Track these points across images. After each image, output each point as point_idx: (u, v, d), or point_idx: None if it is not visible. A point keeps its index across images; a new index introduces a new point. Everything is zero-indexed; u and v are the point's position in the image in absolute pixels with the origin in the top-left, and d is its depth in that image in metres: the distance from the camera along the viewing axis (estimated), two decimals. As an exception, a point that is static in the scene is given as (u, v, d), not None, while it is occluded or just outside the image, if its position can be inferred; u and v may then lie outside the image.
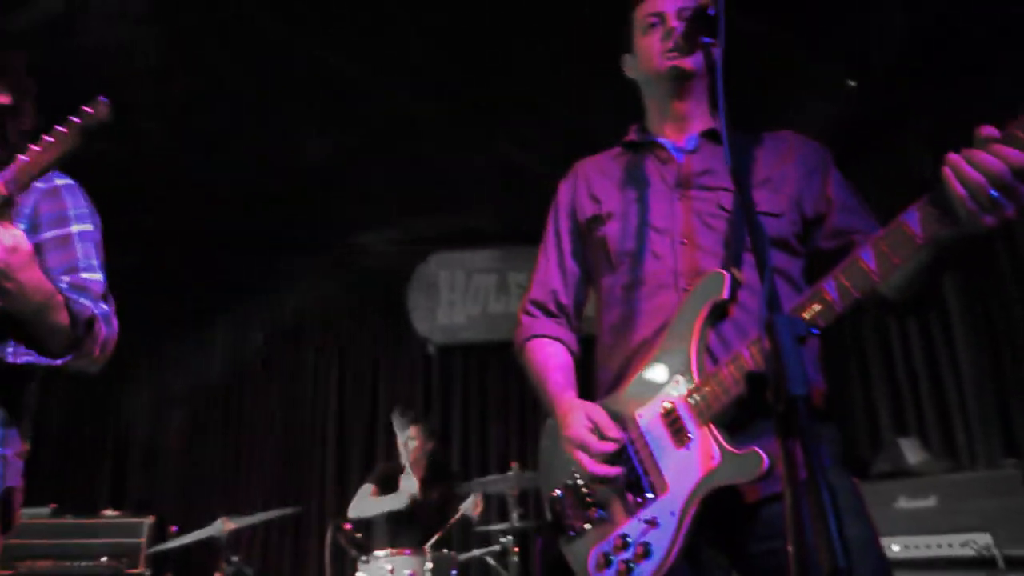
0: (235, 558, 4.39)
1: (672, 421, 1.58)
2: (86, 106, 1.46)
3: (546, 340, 1.91)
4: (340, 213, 6.10)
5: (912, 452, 3.79)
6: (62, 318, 1.57)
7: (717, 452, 1.50)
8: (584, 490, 1.70)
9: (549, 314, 1.95)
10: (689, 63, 1.78)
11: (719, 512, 1.52)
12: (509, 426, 6.13)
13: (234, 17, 4.21)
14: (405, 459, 4.82)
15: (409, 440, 4.82)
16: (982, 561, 3.24)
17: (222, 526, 4.25)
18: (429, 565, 3.98)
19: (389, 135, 5.23)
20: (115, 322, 1.73)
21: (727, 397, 1.50)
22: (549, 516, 1.80)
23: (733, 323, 1.62)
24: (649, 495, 1.59)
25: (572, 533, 1.72)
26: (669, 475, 1.57)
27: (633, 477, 1.62)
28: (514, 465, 4.40)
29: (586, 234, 1.91)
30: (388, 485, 4.70)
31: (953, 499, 3.42)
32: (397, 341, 6.59)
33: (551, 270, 1.96)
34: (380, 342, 6.63)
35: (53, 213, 1.76)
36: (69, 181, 1.81)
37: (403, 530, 4.54)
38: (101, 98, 1.46)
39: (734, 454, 1.48)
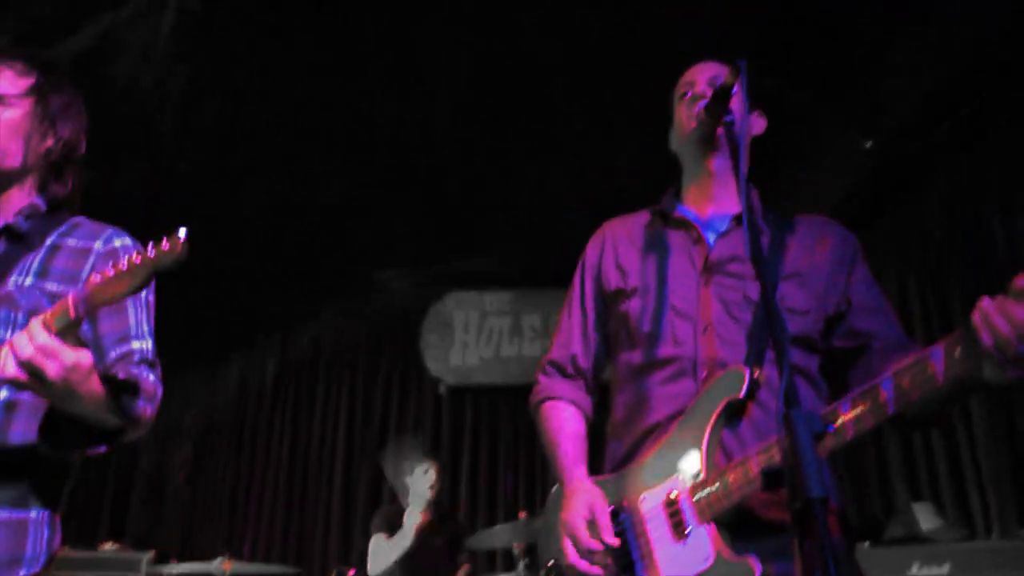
0: (235, 597, 4.36)
1: (674, 512, 1.58)
2: (167, 239, 1.48)
3: (562, 404, 1.90)
4: (357, 251, 6.13)
5: (926, 518, 3.74)
6: (112, 420, 1.60)
7: (712, 554, 1.49)
8: None
9: (566, 376, 1.94)
10: (715, 131, 1.75)
11: None
12: (519, 472, 6.09)
13: (257, 57, 4.29)
14: (414, 496, 4.76)
15: (426, 474, 4.74)
16: (995, 633, 3.19)
17: (222, 565, 4.21)
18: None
19: (408, 175, 5.28)
20: (160, 392, 1.72)
21: (729, 501, 1.50)
22: None
23: (751, 423, 1.60)
24: None
25: None
26: (662, 566, 1.56)
27: (626, 561, 1.62)
28: (523, 516, 4.36)
29: (609, 304, 1.90)
30: (395, 529, 4.65)
31: (967, 568, 3.36)
32: (409, 380, 6.58)
33: (573, 333, 1.95)
34: (392, 380, 6.62)
35: None
36: (127, 241, 1.80)
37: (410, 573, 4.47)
38: (181, 230, 1.48)
39: (727, 560, 1.47)
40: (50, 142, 1.79)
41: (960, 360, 1.31)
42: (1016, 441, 4.05)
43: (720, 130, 1.72)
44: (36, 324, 1.44)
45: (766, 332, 1.64)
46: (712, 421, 1.58)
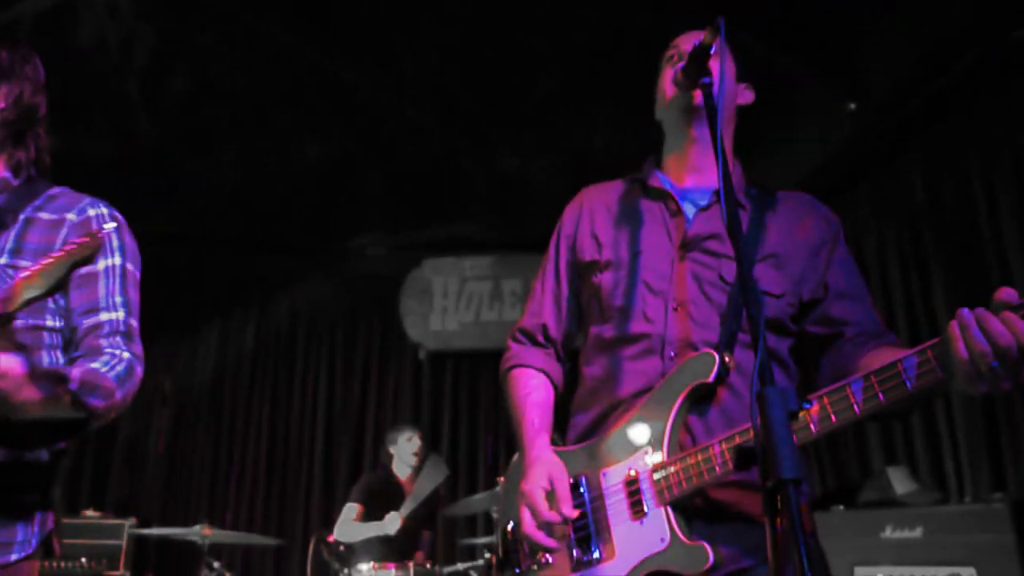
0: (216, 564, 4.36)
1: (633, 491, 1.56)
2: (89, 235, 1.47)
3: (531, 372, 1.87)
4: (335, 217, 6.07)
5: (900, 482, 3.78)
6: (68, 415, 1.57)
7: (668, 536, 1.49)
8: None
9: (536, 344, 1.90)
10: (694, 96, 1.69)
11: None
12: (499, 438, 6.10)
13: (231, 18, 4.18)
14: (401, 468, 4.79)
15: (410, 442, 4.78)
16: (967, 595, 3.24)
17: (202, 531, 4.21)
18: (413, 580, 3.96)
19: (386, 140, 5.21)
20: (138, 371, 1.68)
21: (689, 485, 1.48)
22: (499, 548, 1.79)
23: (719, 408, 1.58)
24: (595, 556, 1.58)
25: (517, 570, 1.71)
26: (618, 543, 1.55)
27: (584, 534, 1.61)
28: (502, 480, 4.36)
29: (583, 274, 1.86)
30: (374, 504, 4.65)
31: (940, 531, 3.40)
32: (389, 346, 6.56)
33: (545, 301, 1.91)
34: (372, 347, 6.59)
35: None
36: (103, 210, 1.74)
37: (387, 545, 4.49)
38: (108, 225, 1.52)
39: (683, 543, 1.47)
40: (0, 103, 1.71)
41: (932, 370, 1.29)
42: (990, 405, 4.09)
43: (698, 94, 1.67)
44: None
45: (740, 314, 1.61)
46: (678, 403, 1.56)
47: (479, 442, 6.21)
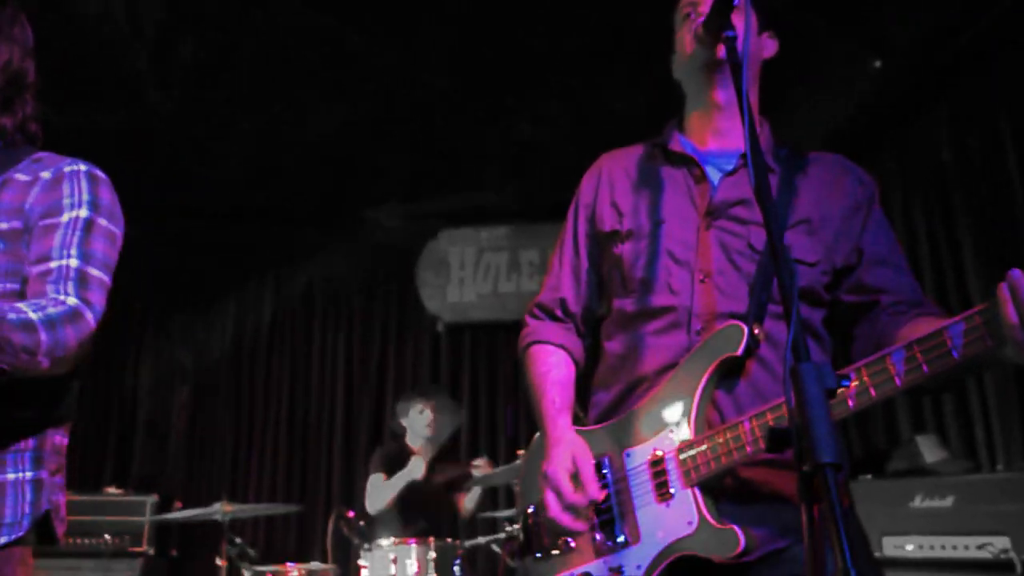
0: (238, 539, 4.37)
1: (658, 472, 1.49)
2: None
3: (549, 348, 1.79)
4: (350, 188, 6.01)
5: (930, 450, 3.69)
6: None
7: (696, 519, 1.42)
8: None
9: (555, 319, 1.82)
10: (716, 50, 1.59)
11: (695, 571, 1.43)
12: (519, 409, 6.06)
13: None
14: (415, 439, 4.76)
15: (421, 415, 4.74)
16: (999, 565, 3.16)
17: (222, 508, 4.21)
18: (433, 554, 3.93)
19: (401, 109, 5.12)
20: (88, 317, 1.55)
21: (717, 465, 1.41)
22: (520, 531, 1.73)
23: (749, 383, 1.50)
24: (620, 540, 1.51)
25: (538, 554, 1.66)
26: (643, 527, 1.49)
27: (607, 517, 1.54)
28: (522, 453, 4.32)
29: (603, 245, 1.77)
30: (395, 468, 4.63)
31: (971, 500, 3.32)
32: (406, 318, 6.51)
33: (564, 275, 1.83)
34: (389, 319, 6.55)
35: (46, 205, 1.62)
36: (79, 167, 1.66)
37: (408, 518, 4.47)
38: None
39: (712, 526, 1.40)
40: None
41: (981, 337, 1.20)
42: (1022, 371, 3.98)
43: (721, 49, 1.55)
44: None
45: (770, 284, 1.52)
46: (705, 378, 1.48)
47: (498, 414, 6.17)
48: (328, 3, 4.22)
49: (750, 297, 1.53)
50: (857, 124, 4.70)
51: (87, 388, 6.36)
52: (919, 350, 1.25)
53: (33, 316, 1.46)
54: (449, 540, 4.13)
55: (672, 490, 1.47)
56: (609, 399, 1.67)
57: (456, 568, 4.07)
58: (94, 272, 1.61)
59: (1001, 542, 3.18)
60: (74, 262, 1.58)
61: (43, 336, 1.45)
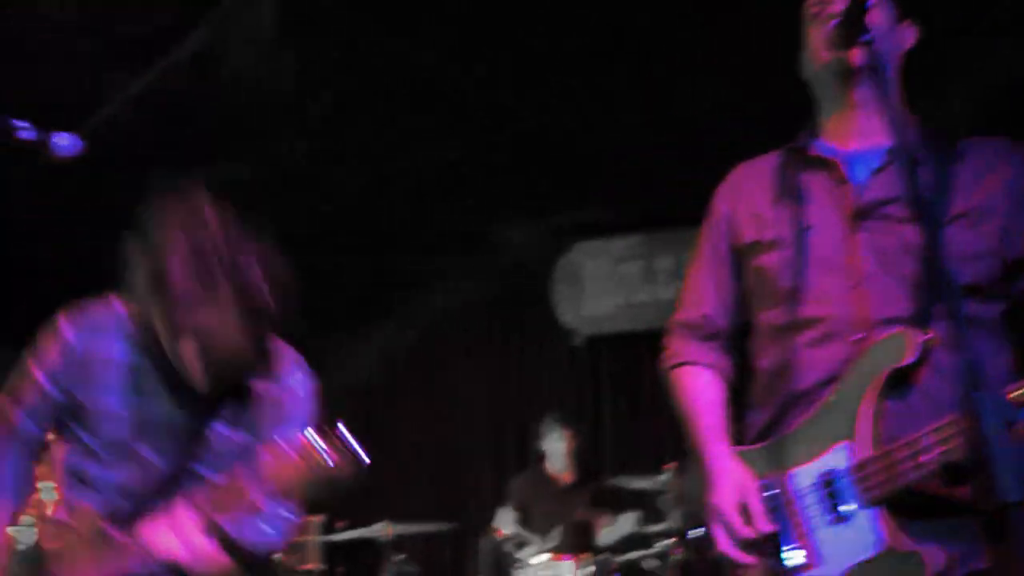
0: (398, 557, 4.53)
1: (832, 493, 1.43)
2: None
3: (696, 369, 1.76)
4: (478, 211, 6.14)
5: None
6: None
7: (875, 542, 1.34)
8: None
9: (702, 338, 1.78)
10: (853, 57, 1.51)
11: None
12: (662, 421, 5.96)
13: (358, 30, 4.28)
14: (554, 463, 4.80)
15: (559, 443, 4.78)
16: None
17: (384, 530, 4.37)
18: (590, 569, 3.93)
19: (520, 129, 5.18)
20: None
21: (895, 484, 1.32)
22: (685, 556, 1.70)
23: (922, 392, 1.41)
24: (795, 565, 1.45)
25: None
26: (819, 551, 1.43)
27: (777, 543, 1.49)
28: (668, 468, 4.27)
29: (744, 257, 1.72)
30: (530, 505, 4.69)
31: None
32: (544, 334, 6.55)
33: (706, 291, 1.78)
34: (526, 336, 6.62)
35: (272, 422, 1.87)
36: (296, 378, 1.97)
37: (557, 535, 4.48)
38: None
39: (894, 550, 1.31)
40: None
41: None
42: None
43: (857, 54, 1.49)
44: None
45: (932, 285, 1.42)
46: (872, 391, 1.40)
47: (640, 426, 6.09)
48: (430, 39, 4.36)
49: (910, 300, 1.45)
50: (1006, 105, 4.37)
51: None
52: None
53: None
54: (604, 556, 4.12)
55: (847, 510, 1.40)
56: (765, 418, 1.62)
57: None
58: None
59: None
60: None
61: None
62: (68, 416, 1.84)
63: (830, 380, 1.49)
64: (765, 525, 1.47)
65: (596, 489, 4.72)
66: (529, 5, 4.15)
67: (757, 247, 1.68)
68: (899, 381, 1.41)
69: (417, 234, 6.40)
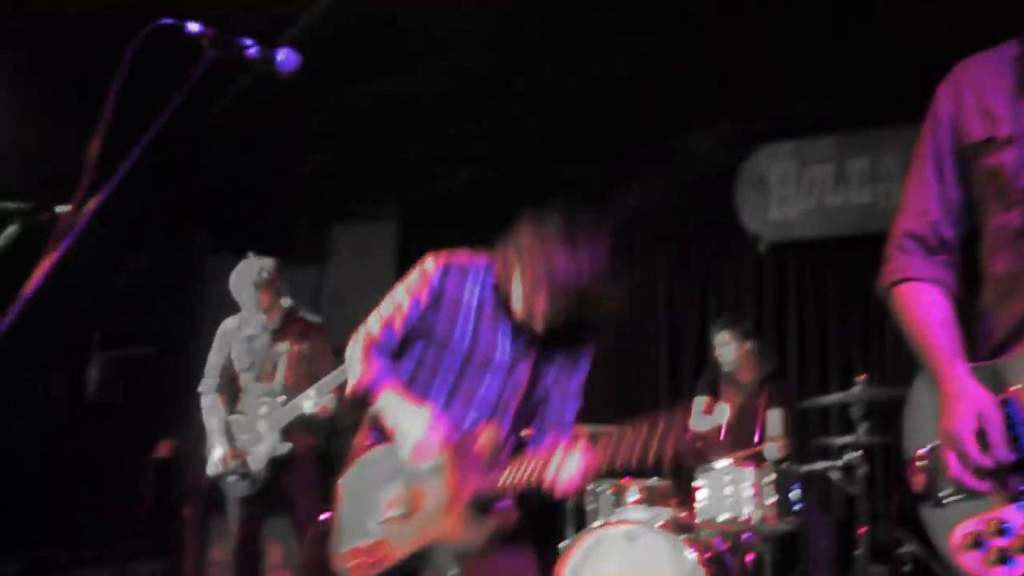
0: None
1: None
2: None
3: (923, 285, 1.66)
4: (663, 114, 6.00)
5: None
6: None
7: None
8: None
9: (929, 250, 1.68)
10: None
11: None
12: (852, 331, 5.72)
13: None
14: (727, 367, 4.78)
15: (727, 347, 4.74)
16: None
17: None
18: (772, 477, 3.93)
19: (697, 40, 5.04)
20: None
21: None
22: (910, 476, 1.64)
23: None
24: None
25: (935, 501, 1.55)
26: None
27: (1019, 459, 1.41)
28: (861, 378, 4.13)
29: (972, 158, 1.62)
30: (716, 392, 4.80)
31: None
32: (726, 241, 6.39)
33: (930, 196, 1.68)
34: (709, 243, 6.48)
35: None
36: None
37: (740, 441, 4.48)
38: None
39: None
40: None
41: None
42: None
43: None
44: None
45: None
46: None
47: (829, 335, 5.87)
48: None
49: None
50: None
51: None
52: None
53: None
54: (786, 464, 4.10)
55: None
56: (1002, 330, 1.54)
57: (793, 493, 4.04)
58: None
59: None
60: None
61: None
62: (423, 339, 2.36)
63: None
64: (1005, 455, 1.41)
65: (775, 391, 4.64)
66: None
67: (989, 145, 1.58)
68: None
69: (598, 143, 6.39)
